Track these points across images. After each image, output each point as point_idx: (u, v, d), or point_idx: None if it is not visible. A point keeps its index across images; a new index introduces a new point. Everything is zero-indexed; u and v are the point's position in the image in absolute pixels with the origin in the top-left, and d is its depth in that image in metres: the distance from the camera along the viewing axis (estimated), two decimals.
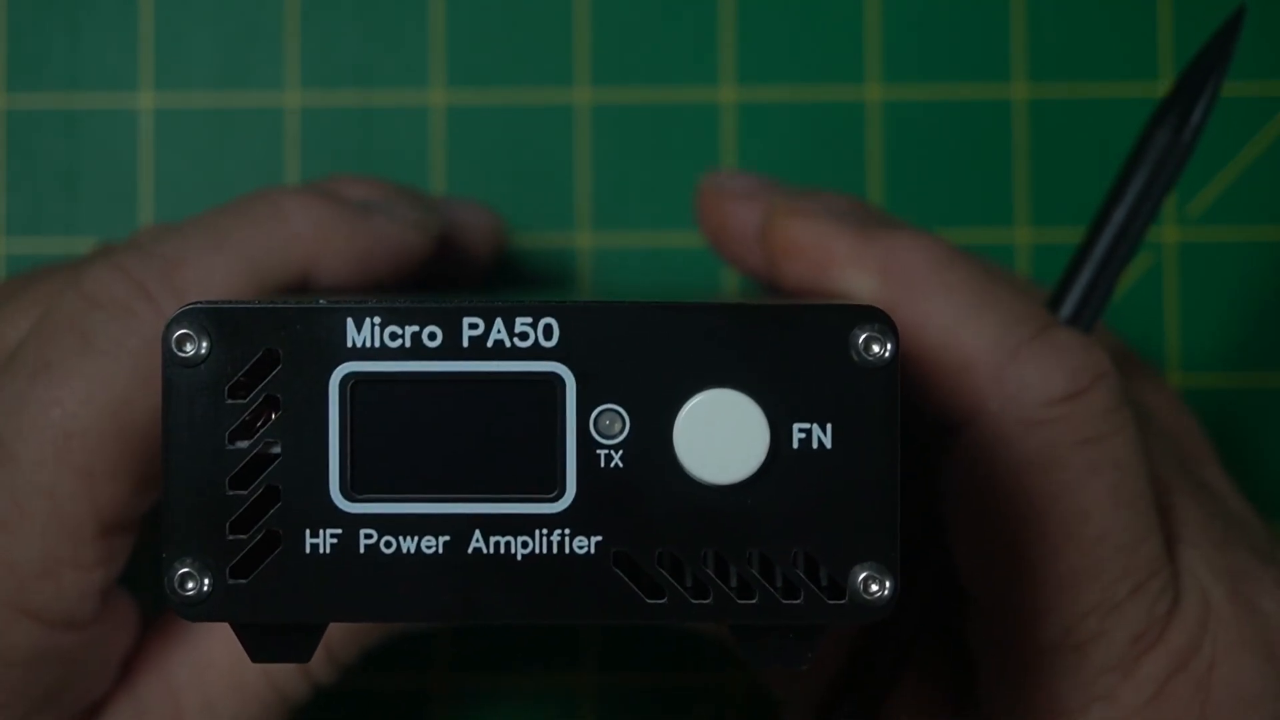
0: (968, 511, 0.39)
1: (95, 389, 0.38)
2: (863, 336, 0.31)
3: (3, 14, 0.50)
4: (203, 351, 0.31)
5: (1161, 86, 0.50)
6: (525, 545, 0.31)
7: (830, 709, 0.42)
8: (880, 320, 0.31)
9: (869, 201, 0.47)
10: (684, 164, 0.50)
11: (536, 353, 0.31)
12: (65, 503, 0.38)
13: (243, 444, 0.31)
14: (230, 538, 0.31)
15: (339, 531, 0.31)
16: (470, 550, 0.31)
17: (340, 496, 0.31)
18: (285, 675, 0.42)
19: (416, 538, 0.31)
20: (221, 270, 0.39)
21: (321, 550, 0.31)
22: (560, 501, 0.31)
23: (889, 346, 0.31)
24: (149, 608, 0.42)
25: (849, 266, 0.40)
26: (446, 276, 0.46)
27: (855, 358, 0.31)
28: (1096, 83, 0.50)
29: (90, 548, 0.38)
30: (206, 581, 0.31)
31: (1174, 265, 0.50)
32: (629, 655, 0.49)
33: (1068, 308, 0.41)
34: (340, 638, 0.42)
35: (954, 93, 0.50)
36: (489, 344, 0.31)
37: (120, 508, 0.39)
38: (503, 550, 0.31)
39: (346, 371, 0.31)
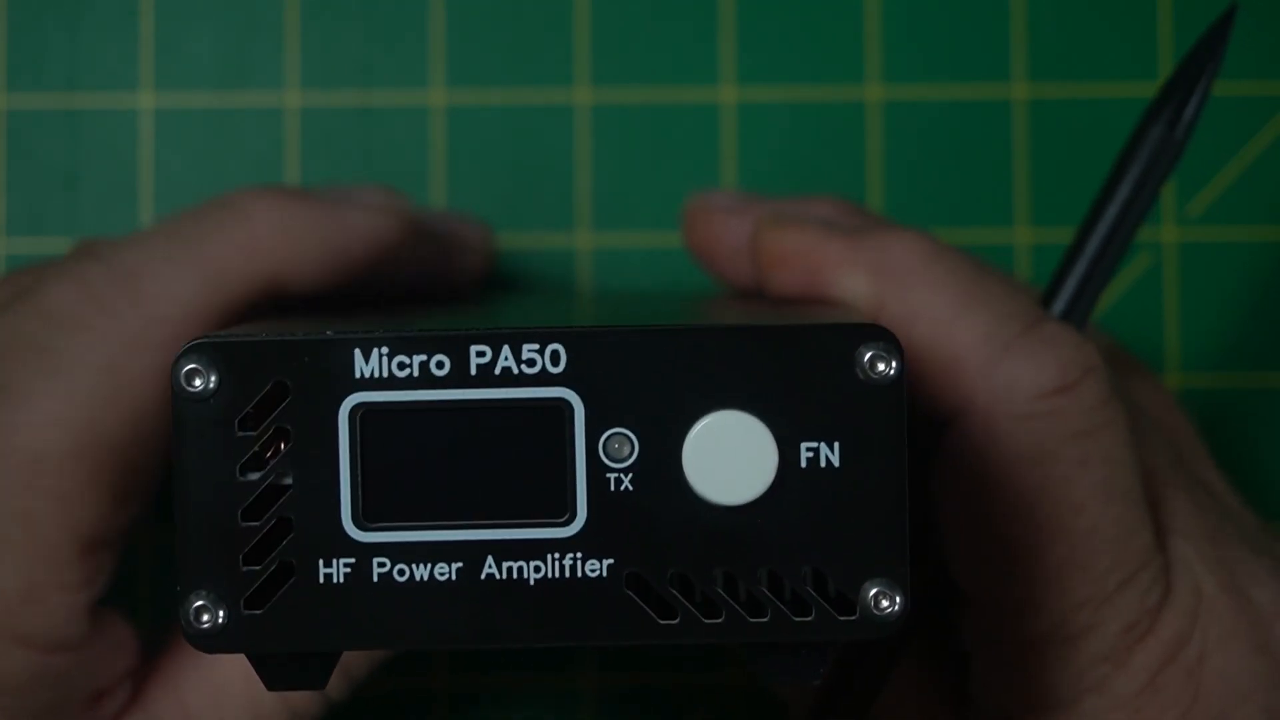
0: (959, 505, 0.39)
1: (60, 409, 0.38)
2: (868, 355, 0.31)
3: (3, 14, 0.50)
4: (212, 385, 0.31)
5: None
6: (538, 569, 0.31)
7: (824, 704, 0.42)
8: (885, 338, 0.31)
9: (855, 203, 0.47)
10: (684, 164, 0.50)
11: (544, 379, 0.31)
12: (42, 527, 0.38)
13: (254, 476, 0.31)
14: (244, 569, 0.31)
15: (352, 561, 0.31)
16: (484, 576, 0.31)
17: (353, 526, 0.31)
18: (301, 698, 0.41)
19: (429, 565, 0.31)
20: (183, 280, 0.39)
21: (335, 580, 0.31)
22: (571, 525, 0.31)
23: (894, 364, 0.31)
24: (160, 628, 0.42)
25: (840, 269, 0.40)
26: (441, 288, 0.46)
27: (861, 376, 0.31)
28: (1096, 83, 0.50)
29: (72, 569, 0.38)
30: (221, 613, 0.31)
31: (1174, 265, 0.50)
32: (629, 656, 0.49)
33: (1060, 304, 0.41)
34: (356, 657, 0.42)
35: (954, 93, 0.50)
36: (497, 371, 0.31)
37: (98, 526, 0.38)
38: (516, 575, 0.31)
39: (356, 402, 0.31)
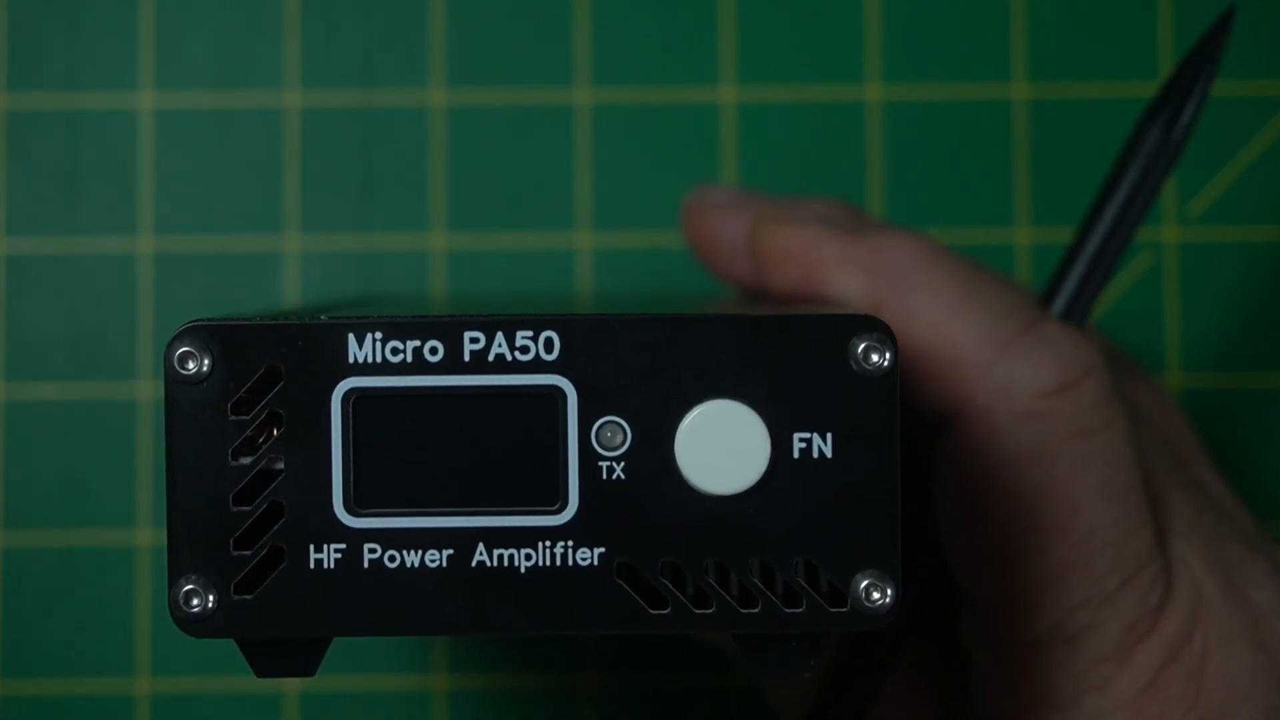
0: (959, 506, 0.39)
1: None
2: (862, 346, 0.31)
3: (3, 14, 0.50)
4: (205, 369, 0.31)
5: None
6: (529, 557, 0.31)
7: (820, 706, 0.42)
8: (879, 329, 0.31)
9: (853, 204, 0.47)
10: (684, 164, 0.50)
11: (538, 366, 0.31)
12: None
13: (246, 460, 0.31)
14: (235, 554, 0.31)
15: (343, 546, 0.31)
16: (474, 563, 0.31)
17: (344, 511, 0.31)
18: None
19: (420, 551, 0.31)
20: None
21: (326, 565, 0.31)
22: (563, 514, 0.31)
23: (888, 355, 0.31)
24: None
25: (837, 268, 0.40)
26: None
27: (854, 367, 0.31)
28: (1096, 83, 0.50)
29: None
30: (211, 598, 0.31)
31: (1174, 265, 0.50)
32: (628, 656, 0.49)
33: (1059, 305, 0.41)
34: None
35: (954, 93, 0.50)
36: (490, 358, 0.31)
37: None
38: (506, 563, 0.31)
39: (349, 387, 0.31)
